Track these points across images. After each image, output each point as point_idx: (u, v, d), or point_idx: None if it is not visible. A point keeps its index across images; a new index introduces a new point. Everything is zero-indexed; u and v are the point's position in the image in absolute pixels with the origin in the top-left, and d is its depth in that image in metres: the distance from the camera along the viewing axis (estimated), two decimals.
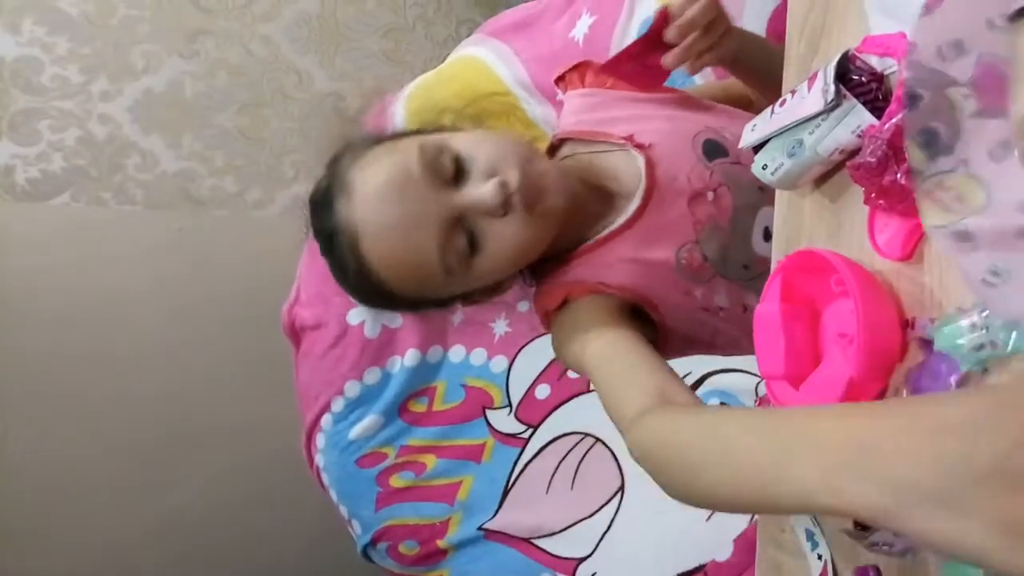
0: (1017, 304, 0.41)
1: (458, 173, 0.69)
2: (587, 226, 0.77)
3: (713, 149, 0.79)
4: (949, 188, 0.43)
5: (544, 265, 0.79)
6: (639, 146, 0.78)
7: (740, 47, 0.78)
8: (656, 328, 0.76)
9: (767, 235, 0.77)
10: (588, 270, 0.76)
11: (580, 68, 0.87)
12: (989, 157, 0.42)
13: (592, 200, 0.77)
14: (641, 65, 0.77)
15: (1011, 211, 0.41)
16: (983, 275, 0.42)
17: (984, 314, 0.46)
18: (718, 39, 0.75)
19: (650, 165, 0.77)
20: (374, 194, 0.68)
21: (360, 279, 0.71)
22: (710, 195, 0.76)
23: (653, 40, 0.75)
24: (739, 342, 0.77)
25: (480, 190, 0.68)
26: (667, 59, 0.74)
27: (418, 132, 0.76)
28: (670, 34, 0.73)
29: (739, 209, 0.77)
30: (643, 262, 0.75)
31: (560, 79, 0.89)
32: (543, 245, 0.73)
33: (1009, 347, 0.44)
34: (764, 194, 0.76)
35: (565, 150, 0.84)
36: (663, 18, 0.74)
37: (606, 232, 0.76)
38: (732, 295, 0.77)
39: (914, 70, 0.42)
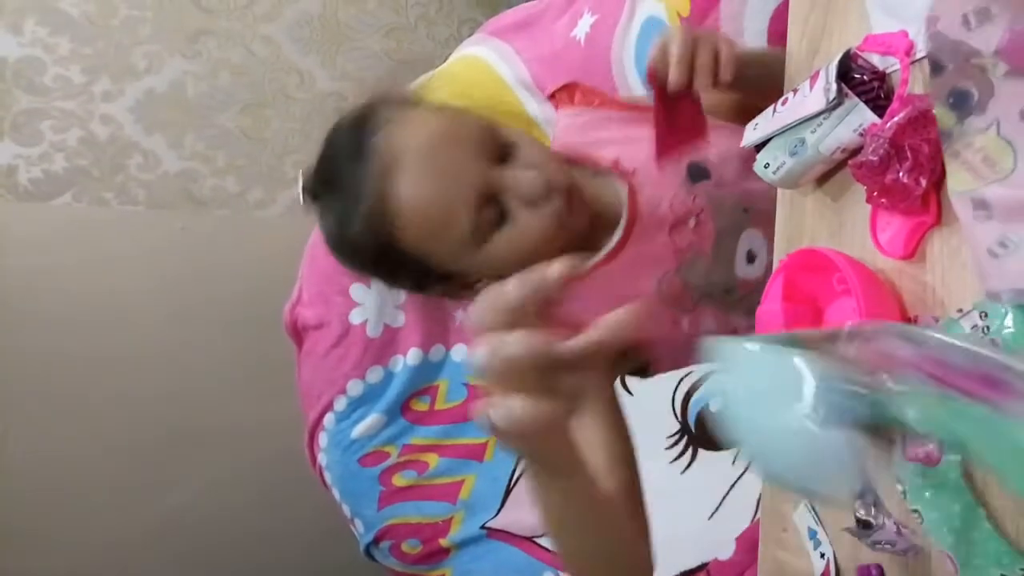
0: (1014, 276, 0.41)
1: (503, 156, 0.69)
2: (571, 249, 0.76)
3: (698, 172, 0.79)
4: (979, 149, 0.43)
5: None
6: (623, 173, 0.78)
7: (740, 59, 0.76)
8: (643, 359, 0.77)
9: (750, 258, 0.78)
10: (571, 307, 0.76)
11: (569, 88, 0.88)
12: (1021, 118, 0.42)
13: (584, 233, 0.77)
14: (677, 126, 0.72)
15: None
16: (991, 245, 0.42)
17: (984, 315, 0.46)
18: (717, 44, 0.72)
19: (632, 194, 0.77)
20: (426, 136, 0.66)
21: (370, 215, 0.67)
22: (692, 221, 0.77)
23: (664, 98, 0.70)
24: None
25: (528, 174, 0.68)
26: (695, 92, 0.69)
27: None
28: (673, 79, 0.66)
29: (721, 233, 0.78)
30: (625, 297, 0.75)
31: (551, 97, 0.90)
32: (555, 252, 0.73)
33: (1011, 345, 0.44)
34: (747, 216, 0.77)
35: None
36: (652, 76, 0.69)
37: (588, 265, 0.76)
38: (719, 320, 0.77)
39: (936, 41, 0.42)
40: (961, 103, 0.43)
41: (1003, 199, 0.42)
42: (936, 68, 0.43)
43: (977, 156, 0.43)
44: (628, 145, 0.80)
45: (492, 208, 0.68)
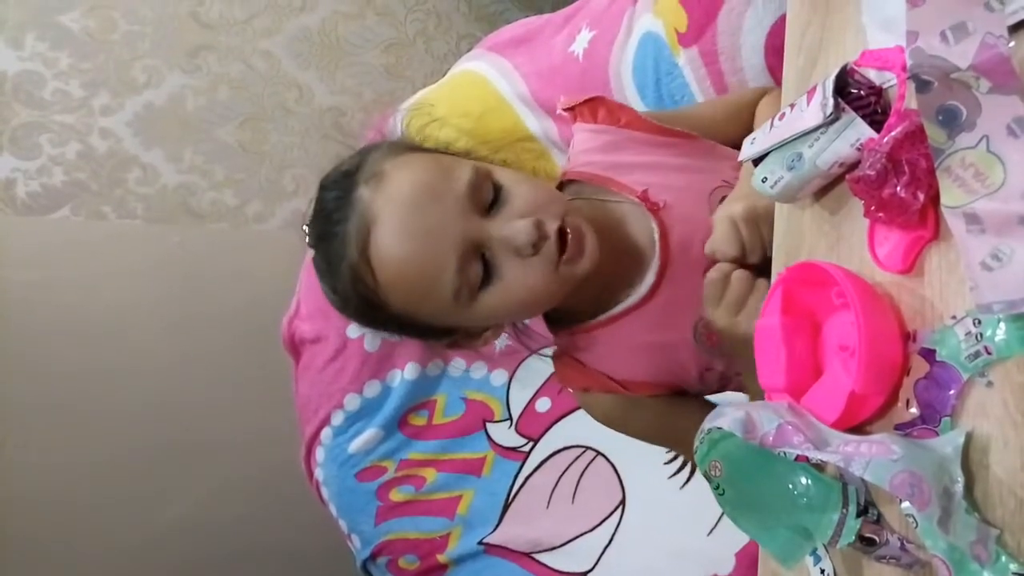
0: (1006, 288, 0.41)
1: (494, 203, 0.67)
2: (598, 285, 0.73)
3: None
4: (969, 165, 0.43)
5: (558, 320, 0.76)
6: (654, 208, 0.74)
7: None
8: None
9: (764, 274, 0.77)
10: (600, 355, 0.73)
11: (593, 103, 0.83)
12: (1008, 133, 0.42)
13: (604, 255, 0.72)
14: None
15: (1017, 197, 0.41)
16: (984, 258, 0.42)
17: (977, 322, 0.46)
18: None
19: (664, 232, 0.73)
20: (409, 191, 0.64)
21: (353, 274, 0.66)
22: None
23: None
24: (731, 379, 0.76)
25: (515, 225, 0.65)
26: None
27: (467, 155, 0.74)
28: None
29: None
30: (660, 345, 0.73)
31: (570, 109, 0.85)
32: (552, 303, 0.71)
33: (1003, 352, 0.45)
34: None
35: (572, 190, 0.80)
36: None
37: (618, 310, 0.73)
38: (727, 366, 0.76)
39: (915, 57, 0.43)
40: (950, 120, 0.43)
41: (994, 213, 0.42)
42: (921, 85, 0.43)
43: (968, 172, 0.43)
44: (655, 172, 0.77)
45: (478, 264, 0.65)
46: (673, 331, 0.73)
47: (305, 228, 0.75)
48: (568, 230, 0.67)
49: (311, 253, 0.76)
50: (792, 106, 0.59)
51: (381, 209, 0.65)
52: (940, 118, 0.44)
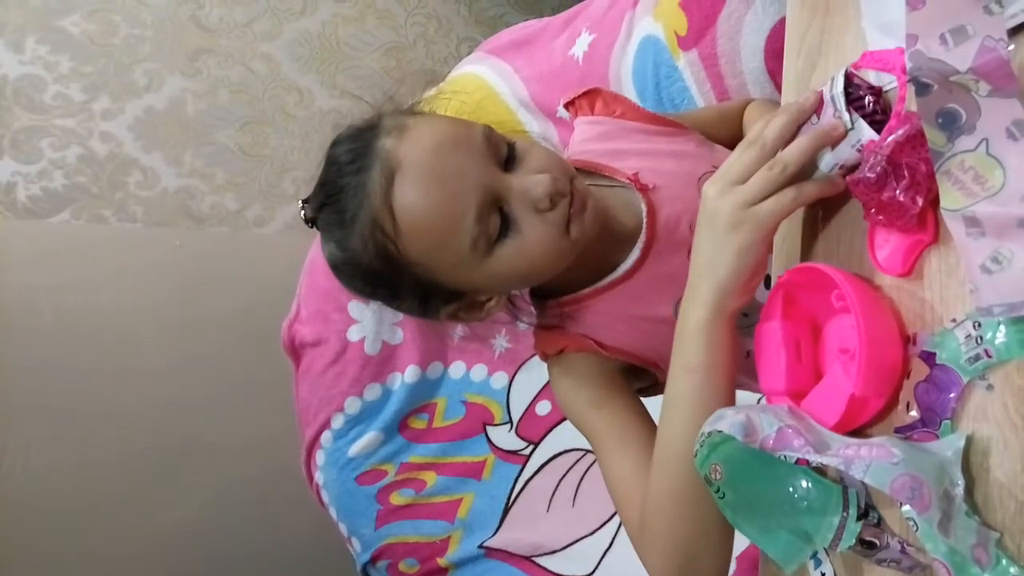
0: (1006, 291, 0.41)
1: (509, 162, 0.68)
2: (587, 265, 0.75)
3: None
4: (969, 168, 0.43)
5: (542, 301, 0.78)
6: (643, 188, 0.76)
7: None
8: (653, 376, 0.76)
9: (767, 282, 0.77)
10: (585, 323, 0.75)
11: (590, 95, 0.86)
12: (1007, 135, 0.42)
13: (586, 256, 0.75)
14: None
15: (1017, 200, 0.41)
16: (984, 261, 0.42)
17: (977, 325, 0.46)
18: None
19: (651, 212, 0.75)
20: (433, 140, 0.66)
21: (373, 222, 0.66)
22: None
23: None
24: (740, 384, 0.76)
25: (533, 177, 0.67)
26: None
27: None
28: None
29: None
30: (641, 318, 0.74)
31: (570, 103, 0.88)
32: (563, 263, 0.71)
33: (1003, 355, 0.45)
34: None
35: None
36: None
37: (604, 282, 0.75)
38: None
39: (915, 60, 0.43)
40: (949, 123, 0.43)
41: (994, 216, 0.42)
42: (921, 88, 0.43)
43: (967, 175, 0.43)
44: (649, 158, 0.79)
45: (497, 216, 0.66)
46: (656, 306, 0.74)
47: (300, 204, 0.74)
48: (575, 191, 0.69)
49: (310, 256, 0.76)
50: None
51: (406, 155, 0.65)
52: (940, 121, 0.44)
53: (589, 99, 0.86)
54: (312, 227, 0.75)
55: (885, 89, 0.56)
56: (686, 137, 0.83)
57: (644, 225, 0.75)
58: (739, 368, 0.75)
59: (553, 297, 0.77)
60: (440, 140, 0.66)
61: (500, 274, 0.69)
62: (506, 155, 0.68)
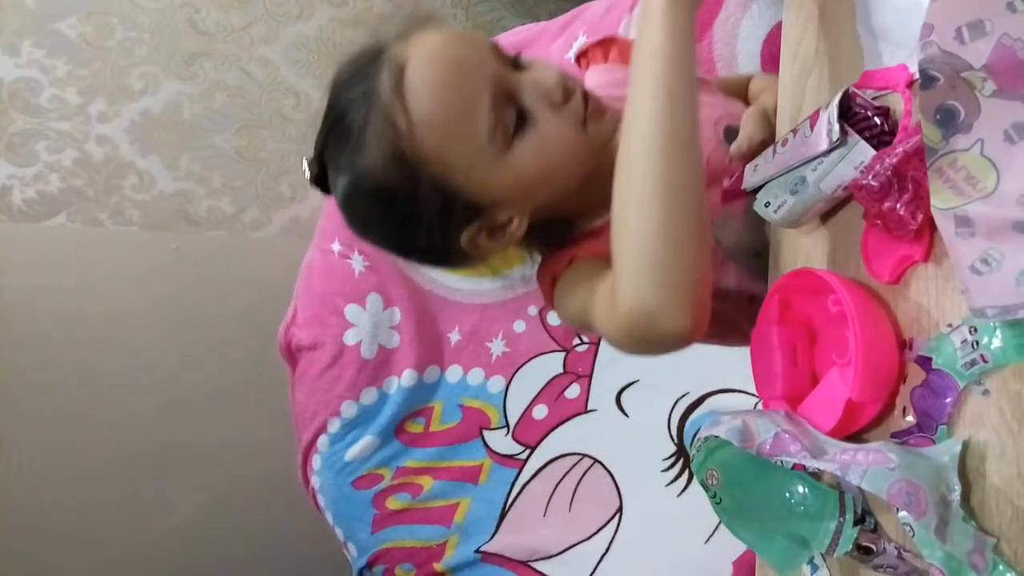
0: (997, 293, 0.41)
1: (517, 67, 0.68)
2: (598, 202, 0.71)
3: (734, 134, 0.77)
4: (961, 168, 0.43)
5: (552, 240, 0.76)
6: None
7: None
8: None
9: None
10: (603, 241, 0.74)
11: (605, 43, 0.85)
12: (1004, 138, 0.42)
13: (605, 175, 0.70)
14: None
15: (1012, 203, 0.41)
16: (974, 262, 0.42)
17: (973, 330, 0.46)
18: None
19: None
20: (440, 37, 0.65)
21: (384, 120, 0.64)
22: (727, 181, 0.74)
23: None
24: (738, 326, 0.75)
25: (543, 72, 0.66)
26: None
27: None
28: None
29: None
30: None
31: (583, 55, 0.87)
32: (582, 167, 0.69)
33: (999, 360, 0.45)
34: None
35: None
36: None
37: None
38: (741, 282, 0.75)
39: (928, 51, 0.42)
40: (947, 120, 0.43)
41: (985, 217, 0.42)
42: (927, 81, 0.43)
43: (959, 174, 0.43)
44: None
45: (512, 111, 0.65)
46: None
47: (304, 163, 0.73)
48: (590, 96, 0.68)
49: (306, 259, 0.75)
50: (794, 132, 0.59)
51: (415, 52, 0.65)
52: (938, 117, 0.43)
53: (603, 48, 0.85)
54: (318, 187, 0.72)
55: (891, 108, 0.55)
56: (701, 85, 0.84)
57: None
58: (742, 314, 0.73)
59: (564, 230, 0.76)
60: (448, 36, 0.66)
61: (520, 175, 0.67)
62: (513, 62, 0.68)
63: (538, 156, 0.66)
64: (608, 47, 0.85)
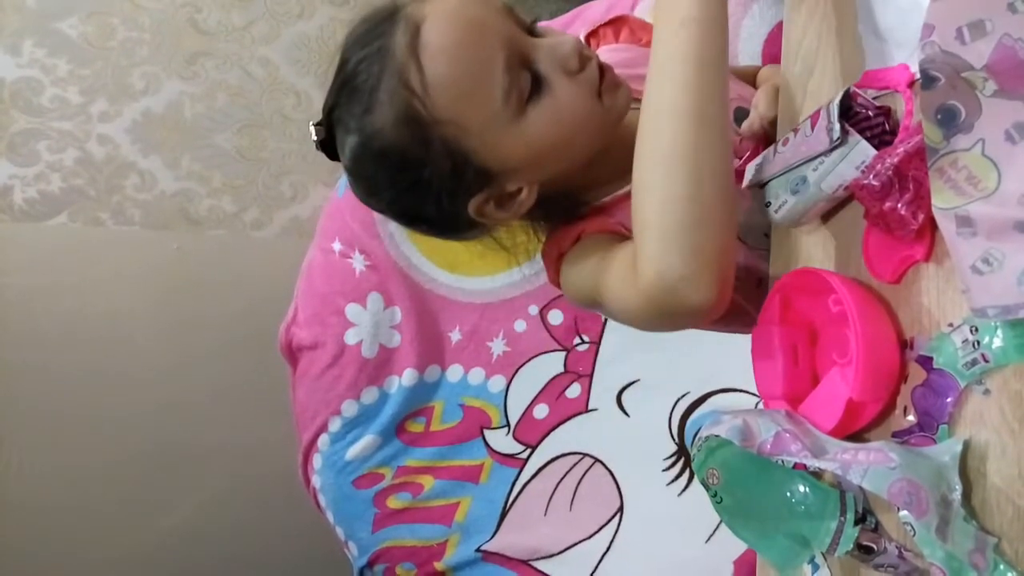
0: (998, 293, 0.41)
1: (532, 34, 0.67)
2: (607, 178, 0.73)
3: (743, 117, 0.78)
4: (962, 168, 0.43)
5: (559, 215, 0.75)
6: None
7: None
8: None
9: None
10: (613, 215, 0.72)
11: (616, 23, 0.85)
12: (1005, 138, 0.42)
13: (615, 151, 0.70)
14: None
15: (1014, 203, 0.41)
16: (975, 262, 0.42)
17: (974, 330, 0.46)
18: None
19: None
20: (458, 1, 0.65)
21: (399, 79, 0.63)
22: (736, 162, 0.72)
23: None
24: (744, 311, 0.74)
25: (558, 38, 0.66)
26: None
27: None
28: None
29: None
30: None
31: (592, 34, 0.86)
32: (596, 139, 0.69)
33: (1000, 360, 0.45)
34: None
35: None
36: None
37: (625, 190, 0.71)
38: (749, 263, 0.75)
39: (928, 52, 0.42)
40: (948, 120, 0.43)
41: (987, 217, 0.42)
42: (928, 80, 0.43)
43: (960, 174, 0.43)
44: None
45: (527, 75, 0.64)
46: None
47: (312, 127, 0.72)
48: (606, 68, 0.67)
49: (307, 259, 0.74)
50: (795, 131, 0.59)
51: (431, 10, 0.64)
52: (939, 117, 0.43)
53: (615, 27, 0.85)
54: (324, 151, 0.71)
55: (892, 108, 0.55)
56: None
57: None
58: (748, 298, 0.73)
59: (571, 205, 0.75)
60: (464, 1, 0.65)
61: (533, 141, 0.66)
62: (529, 28, 0.67)
63: (552, 123, 0.66)
64: (619, 26, 0.84)
